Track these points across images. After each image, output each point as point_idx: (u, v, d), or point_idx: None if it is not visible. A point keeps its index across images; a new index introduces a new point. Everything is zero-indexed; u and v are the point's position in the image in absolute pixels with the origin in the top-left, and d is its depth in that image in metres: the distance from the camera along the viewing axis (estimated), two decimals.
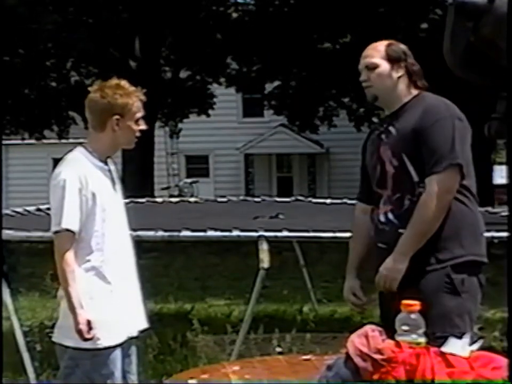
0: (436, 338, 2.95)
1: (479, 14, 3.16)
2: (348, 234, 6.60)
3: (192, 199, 10.97)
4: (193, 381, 3.29)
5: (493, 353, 2.79)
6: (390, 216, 3.70)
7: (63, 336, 3.72)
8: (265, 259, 6.06)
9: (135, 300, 3.83)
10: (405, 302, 2.74)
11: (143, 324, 3.89)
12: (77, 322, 3.56)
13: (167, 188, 25.89)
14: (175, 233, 6.55)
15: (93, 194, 3.64)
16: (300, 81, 19.73)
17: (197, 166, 28.57)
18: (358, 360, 2.67)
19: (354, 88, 18.48)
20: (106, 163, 3.79)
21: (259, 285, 6.21)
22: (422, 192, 3.61)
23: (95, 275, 3.66)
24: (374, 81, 3.75)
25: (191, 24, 18.57)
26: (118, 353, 3.72)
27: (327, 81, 18.79)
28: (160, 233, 6.48)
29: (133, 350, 3.88)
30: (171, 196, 21.04)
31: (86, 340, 3.57)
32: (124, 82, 3.78)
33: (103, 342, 3.65)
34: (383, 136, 3.76)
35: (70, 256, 3.59)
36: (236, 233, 6.49)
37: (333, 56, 18.53)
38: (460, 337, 2.87)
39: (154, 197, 13.85)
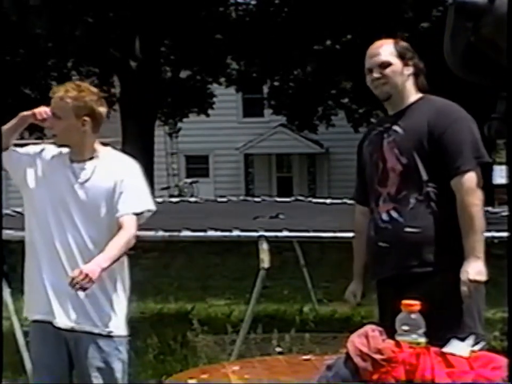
0: (447, 339, 2.91)
1: (479, 14, 3.16)
2: (348, 234, 6.61)
3: (192, 199, 10.97)
4: (193, 381, 3.29)
5: (493, 353, 2.79)
6: (394, 214, 3.69)
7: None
8: (265, 259, 6.06)
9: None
10: (405, 302, 2.74)
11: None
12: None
13: (167, 188, 25.88)
14: (175, 233, 6.55)
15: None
16: (299, 81, 19.73)
17: (197, 166, 28.55)
18: (358, 360, 2.67)
19: (354, 88, 18.61)
20: (80, 161, 3.78)
21: (259, 285, 6.21)
22: (429, 191, 3.62)
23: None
24: (388, 78, 3.73)
25: (191, 24, 18.57)
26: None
27: (326, 81, 18.80)
28: (160, 233, 6.48)
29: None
30: (171, 196, 21.04)
31: None
32: (88, 85, 3.91)
33: None
34: (385, 135, 3.75)
35: None
36: (236, 233, 6.49)
37: (333, 56, 18.54)
38: (469, 338, 2.87)
39: (154, 197, 13.80)
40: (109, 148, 3.89)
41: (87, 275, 3.47)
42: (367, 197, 3.86)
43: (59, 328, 3.73)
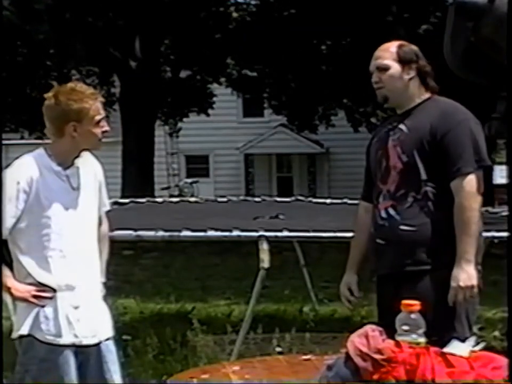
0: (434, 342, 2.93)
1: (479, 14, 3.16)
2: (348, 234, 6.62)
3: (192, 199, 10.96)
4: (194, 380, 3.29)
5: (493, 353, 2.79)
6: (392, 212, 3.71)
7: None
8: (265, 259, 6.06)
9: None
10: (405, 302, 2.74)
11: None
12: None
13: (167, 188, 25.89)
14: (175, 233, 6.54)
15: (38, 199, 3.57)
16: (299, 81, 19.73)
17: (197, 166, 28.56)
18: (358, 360, 2.67)
19: (354, 88, 18.61)
20: (69, 167, 3.66)
21: (259, 285, 6.21)
22: (427, 191, 3.64)
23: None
24: (385, 83, 3.76)
25: (191, 24, 18.58)
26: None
27: (326, 81, 18.80)
28: (160, 233, 6.48)
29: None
30: (171, 196, 21.04)
31: None
32: (80, 86, 3.68)
33: None
34: (391, 133, 3.77)
35: None
36: (236, 233, 6.48)
37: (333, 56, 18.54)
38: (461, 341, 2.87)
39: (154, 197, 13.84)
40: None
41: None
42: (372, 193, 3.87)
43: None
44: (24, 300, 3.57)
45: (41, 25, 16.52)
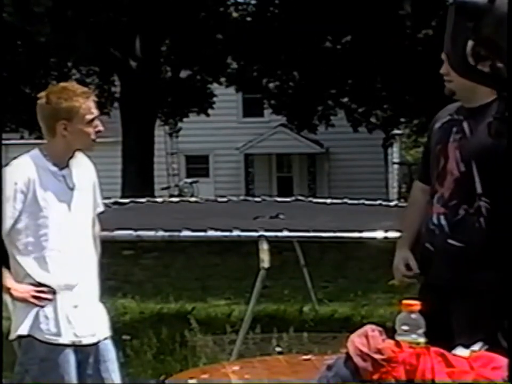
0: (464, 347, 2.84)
1: (479, 14, 3.15)
2: (348, 234, 6.63)
3: (192, 199, 10.97)
4: (193, 381, 3.29)
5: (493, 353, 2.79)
6: (443, 221, 3.51)
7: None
8: (265, 259, 6.07)
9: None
10: (405, 302, 2.74)
11: None
12: None
13: (167, 188, 25.89)
14: (175, 233, 6.56)
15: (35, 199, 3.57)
16: (299, 81, 19.74)
17: (197, 166, 28.56)
18: (358, 360, 2.66)
19: (353, 88, 18.62)
20: (64, 167, 3.66)
21: (259, 285, 6.21)
22: (481, 206, 3.41)
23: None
24: (454, 78, 3.50)
25: (191, 23, 18.58)
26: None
27: (326, 81, 18.81)
28: (160, 233, 6.48)
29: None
30: (171, 196, 21.04)
31: None
32: (72, 85, 3.69)
33: None
34: (454, 129, 3.54)
35: None
36: (236, 233, 6.49)
37: (333, 55, 18.54)
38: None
39: (154, 197, 13.85)
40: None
41: None
42: (428, 175, 3.66)
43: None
44: (24, 300, 3.57)
45: (43, 27, 16.54)
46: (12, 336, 3.65)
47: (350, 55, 17.61)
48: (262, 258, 6.07)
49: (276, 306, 9.70)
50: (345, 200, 9.16)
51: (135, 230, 6.56)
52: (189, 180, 27.35)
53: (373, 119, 20.36)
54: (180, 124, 22.85)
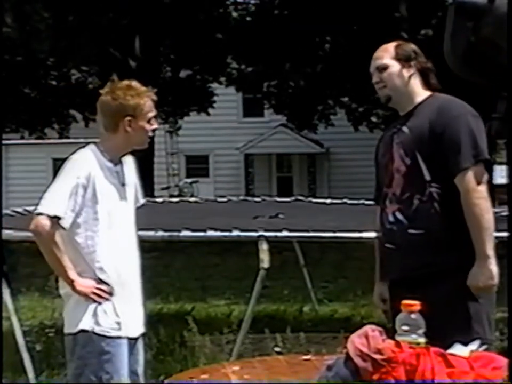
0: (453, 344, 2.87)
1: (479, 14, 3.16)
2: (348, 234, 6.62)
3: (192, 199, 10.97)
4: (193, 381, 3.28)
5: (493, 353, 2.79)
6: (399, 216, 3.67)
7: None
8: (265, 259, 6.06)
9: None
10: (405, 302, 2.74)
11: None
12: None
13: (167, 188, 25.89)
14: (175, 233, 6.55)
15: (95, 195, 3.66)
16: (299, 80, 19.73)
17: (197, 166, 28.56)
18: (358, 360, 2.66)
19: (354, 87, 18.61)
20: (117, 164, 3.81)
21: (259, 285, 6.21)
22: (432, 192, 3.58)
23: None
24: (386, 82, 3.75)
25: (191, 23, 18.58)
26: None
27: (326, 80, 18.80)
28: (160, 233, 6.48)
29: None
30: (171, 196, 21.04)
31: None
32: (135, 83, 3.81)
33: None
34: (395, 136, 3.75)
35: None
36: (236, 233, 6.49)
37: (333, 55, 18.54)
38: (474, 342, 2.86)
39: (154, 197, 13.85)
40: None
41: None
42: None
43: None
44: (85, 295, 3.66)
45: (43, 44, 16.59)
46: (71, 330, 3.71)
47: (350, 54, 17.59)
48: (261, 258, 6.07)
49: (276, 306, 9.70)
50: (345, 200, 9.16)
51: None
52: (189, 180, 27.34)
53: (373, 118, 20.35)
54: (180, 122, 22.84)
